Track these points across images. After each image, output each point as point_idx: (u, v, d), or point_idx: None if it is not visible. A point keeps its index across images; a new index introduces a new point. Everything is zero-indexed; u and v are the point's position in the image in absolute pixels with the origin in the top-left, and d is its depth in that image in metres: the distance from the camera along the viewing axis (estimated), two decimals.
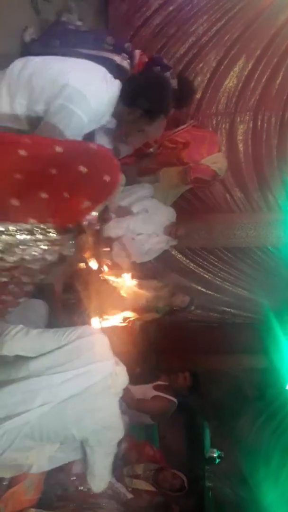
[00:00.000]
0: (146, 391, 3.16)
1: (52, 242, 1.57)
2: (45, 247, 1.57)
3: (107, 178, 1.65)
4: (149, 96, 2.05)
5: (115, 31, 3.94)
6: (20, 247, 1.53)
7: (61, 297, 2.28)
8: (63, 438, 1.72)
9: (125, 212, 3.66)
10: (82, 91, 1.84)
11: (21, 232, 1.52)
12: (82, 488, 2.06)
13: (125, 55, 2.78)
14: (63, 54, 2.81)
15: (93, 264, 2.92)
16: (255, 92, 4.13)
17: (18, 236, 1.52)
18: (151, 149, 3.69)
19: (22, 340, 1.75)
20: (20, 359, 1.72)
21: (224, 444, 4.15)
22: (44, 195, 1.53)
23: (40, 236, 1.55)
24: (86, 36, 2.88)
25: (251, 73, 4.11)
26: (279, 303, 4.47)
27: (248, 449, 4.19)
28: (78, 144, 1.73)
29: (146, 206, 3.73)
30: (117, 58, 2.74)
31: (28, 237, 1.52)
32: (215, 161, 3.70)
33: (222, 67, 4.14)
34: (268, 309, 4.51)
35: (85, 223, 2.60)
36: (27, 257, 1.56)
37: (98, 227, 3.22)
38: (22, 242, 1.53)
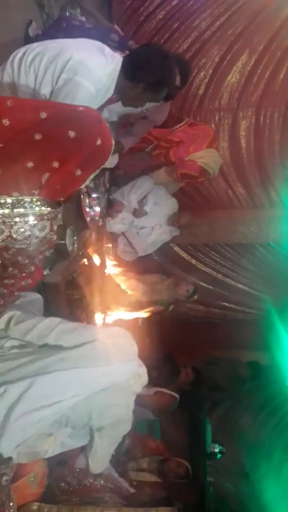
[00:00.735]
0: (148, 387, 3.17)
1: (40, 217, 1.43)
2: (34, 222, 1.43)
3: (98, 141, 1.52)
4: (152, 68, 1.98)
5: (119, 26, 3.92)
6: (5, 222, 1.40)
7: (65, 293, 2.28)
8: (83, 425, 1.84)
9: (141, 213, 3.73)
10: (86, 62, 1.82)
11: (3, 206, 1.39)
12: (85, 482, 2.08)
13: (128, 52, 2.77)
14: None
15: (97, 259, 2.93)
16: (257, 87, 4.12)
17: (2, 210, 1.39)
18: (148, 148, 3.73)
19: (65, 330, 1.82)
20: (52, 350, 1.78)
21: (226, 439, 4.15)
22: (29, 164, 1.42)
23: (26, 210, 1.41)
24: (90, 32, 2.87)
25: (254, 68, 4.10)
26: (281, 299, 4.48)
27: (250, 445, 4.21)
28: (64, 106, 1.61)
29: (154, 199, 3.76)
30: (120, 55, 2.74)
31: (13, 211, 1.40)
32: (201, 156, 3.69)
33: (225, 62, 4.13)
34: (270, 305, 4.51)
35: (88, 219, 2.62)
36: (14, 235, 1.43)
37: (101, 223, 3.25)
38: (6, 217, 1.40)
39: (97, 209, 2.75)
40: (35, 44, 1.97)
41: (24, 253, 1.51)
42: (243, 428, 4.42)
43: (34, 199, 1.43)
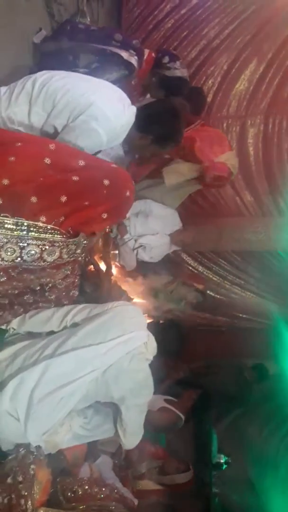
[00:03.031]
0: (155, 401, 3.11)
1: (51, 243, 1.58)
2: (45, 247, 1.58)
3: (127, 193, 1.72)
4: (162, 124, 2.11)
5: (127, 34, 3.95)
6: (18, 243, 1.54)
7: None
8: (103, 398, 1.92)
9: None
10: (106, 112, 1.89)
11: (20, 229, 1.53)
12: (90, 491, 2.06)
13: (132, 51, 2.80)
14: (72, 49, 2.86)
15: (103, 266, 2.92)
16: (266, 95, 4.13)
17: (19, 232, 1.54)
18: None
19: (79, 309, 1.99)
20: (63, 334, 1.89)
21: (232, 450, 4.11)
22: (63, 199, 1.56)
23: (40, 235, 1.56)
24: (94, 33, 2.90)
25: (262, 76, 4.11)
26: None
27: (256, 456, 4.15)
28: (100, 160, 1.80)
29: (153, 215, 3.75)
30: (124, 54, 2.75)
31: (28, 234, 1.54)
32: (227, 158, 3.68)
33: (233, 70, 4.15)
34: (277, 314, 4.47)
35: None
36: (25, 257, 1.57)
37: (108, 229, 3.24)
38: (21, 238, 1.54)
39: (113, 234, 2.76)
40: (62, 74, 2.00)
41: (30, 271, 1.66)
42: (249, 439, 4.37)
43: (49, 227, 1.57)
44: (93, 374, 1.81)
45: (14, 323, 2.00)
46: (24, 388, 1.73)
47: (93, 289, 2.60)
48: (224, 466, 3.84)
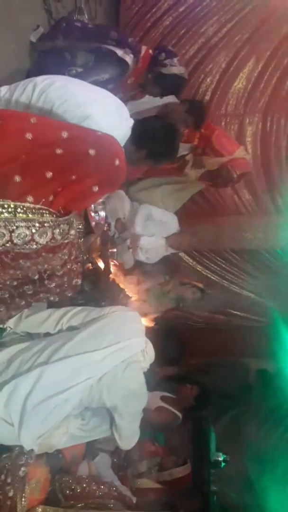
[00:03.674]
0: (152, 400, 3.10)
1: (41, 224, 1.51)
2: (35, 229, 1.50)
3: (116, 161, 1.63)
4: (157, 142, 2.08)
5: (125, 32, 3.95)
6: (7, 226, 1.47)
7: (70, 297, 2.28)
8: (96, 404, 1.89)
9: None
10: (102, 125, 1.82)
11: (6, 211, 1.47)
12: (89, 489, 2.07)
13: (128, 49, 2.78)
14: (68, 48, 2.84)
15: (101, 264, 2.92)
16: (264, 93, 4.13)
17: (6, 215, 1.47)
18: None
19: (76, 312, 1.98)
20: (59, 337, 1.88)
21: (230, 448, 4.11)
22: (48, 175, 1.49)
23: (28, 216, 1.49)
24: (90, 31, 2.88)
25: (260, 74, 4.11)
26: (287, 306, 4.44)
27: (255, 454, 4.16)
28: (85, 129, 1.69)
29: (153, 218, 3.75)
30: (119, 52, 2.73)
31: (16, 216, 1.47)
32: (244, 153, 3.70)
33: (232, 68, 4.14)
34: (275, 312, 4.47)
35: (93, 223, 2.62)
36: (15, 240, 1.50)
37: (106, 227, 3.24)
38: (8, 221, 1.47)
39: (102, 213, 2.74)
40: (62, 81, 1.94)
41: (23, 256, 1.58)
42: (248, 437, 4.38)
43: (37, 207, 1.50)
44: (88, 382, 1.80)
45: (11, 322, 1.99)
46: (18, 394, 1.72)
47: (92, 287, 2.60)
48: (223, 464, 3.84)
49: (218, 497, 3.83)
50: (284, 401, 4.38)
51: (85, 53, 2.83)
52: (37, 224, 1.50)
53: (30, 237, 1.51)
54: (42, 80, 1.90)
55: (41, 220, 1.51)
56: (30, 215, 1.49)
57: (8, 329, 2.01)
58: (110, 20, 4.21)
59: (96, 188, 1.60)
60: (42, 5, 3.10)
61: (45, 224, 1.52)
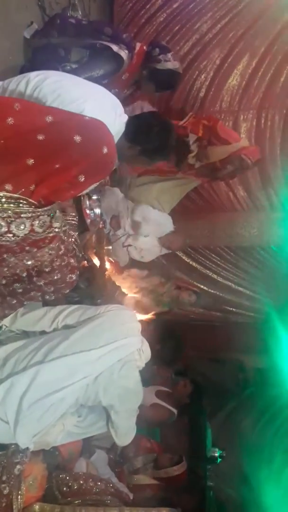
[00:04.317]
0: (147, 396, 3.11)
1: (17, 214, 1.42)
2: (11, 219, 1.42)
3: (105, 149, 1.52)
4: (151, 138, 2.03)
5: (119, 28, 3.93)
6: None
7: (65, 294, 2.27)
8: (92, 402, 1.89)
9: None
10: None
11: None
12: (86, 485, 2.08)
13: (122, 45, 2.77)
14: (62, 45, 2.83)
15: (96, 261, 2.92)
16: (258, 90, 4.11)
17: None
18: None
19: (72, 310, 1.98)
20: (56, 336, 1.88)
21: (226, 443, 4.13)
22: (30, 161, 1.40)
23: (2, 206, 1.41)
24: (84, 27, 2.87)
25: (255, 71, 4.09)
26: (282, 303, 4.46)
27: (251, 449, 4.18)
28: (71, 114, 1.58)
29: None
30: (114, 47, 2.73)
31: None
32: (248, 143, 3.70)
33: (226, 65, 4.12)
34: (271, 308, 4.49)
35: (88, 221, 2.61)
36: None
37: (101, 225, 3.24)
38: None
39: (98, 211, 2.74)
40: (56, 77, 1.91)
41: (6, 249, 1.51)
42: (243, 432, 4.40)
43: (15, 196, 1.42)
44: (84, 381, 1.80)
45: (6, 320, 1.98)
46: (14, 393, 1.72)
47: (87, 285, 2.59)
48: (219, 460, 3.87)
49: (214, 493, 3.86)
50: (279, 397, 4.41)
51: (79, 49, 2.82)
52: (13, 215, 1.42)
53: (6, 229, 1.43)
54: (35, 76, 1.87)
55: (17, 210, 1.42)
56: (5, 205, 1.41)
57: (4, 327, 2.00)
58: (104, 16, 4.20)
59: (82, 178, 1.49)
60: (35, 2, 3.08)
61: (22, 215, 1.43)
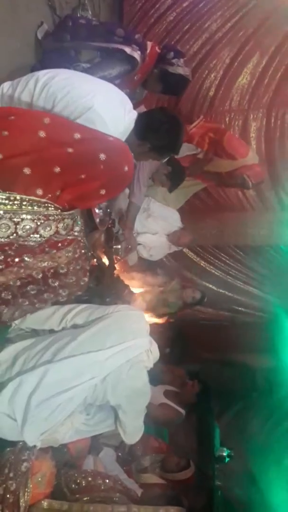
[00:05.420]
0: (155, 395, 3.11)
1: (46, 217, 1.55)
2: (40, 222, 1.55)
3: (126, 167, 1.67)
4: (162, 134, 2.04)
5: (129, 28, 3.93)
6: (12, 218, 1.52)
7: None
8: (100, 402, 1.90)
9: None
10: (104, 117, 1.83)
11: (12, 203, 1.51)
12: (94, 483, 2.09)
13: (135, 46, 2.77)
14: (75, 48, 2.83)
15: (105, 260, 2.93)
16: (268, 89, 4.09)
17: (12, 207, 1.52)
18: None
19: (81, 309, 1.99)
20: (64, 336, 1.89)
21: (234, 443, 4.12)
22: (57, 170, 1.53)
23: (33, 209, 1.54)
24: (96, 29, 2.88)
25: (264, 69, 4.07)
26: None
27: (259, 449, 4.16)
28: (96, 133, 1.72)
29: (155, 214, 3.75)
30: (127, 49, 2.73)
31: (21, 208, 1.51)
32: (255, 158, 3.69)
33: (236, 63, 4.11)
34: (279, 308, 4.47)
35: (97, 220, 2.63)
36: (19, 232, 1.54)
37: (110, 224, 3.25)
38: (14, 213, 1.51)
39: (107, 210, 2.75)
40: (65, 74, 1.95)
41: (27, 250, 1.62)
42: (252, 432, 4.38)
43: (43, 201, 1.55)
44: (92, 381, 1.81)
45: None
46: (22, 392, 1.74)
47: (96, 283, 2.61)
48: (227, 459, 3.86)
49: (222, 492, 3.85)
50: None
51: (89, 50, 2.83)
52: (42, 217, 1.55)
53: (34, 230, 1.56)
54: (44, 74, 1.90)
55: (46, 213, 1.55)
56: (35, 208, 1.54)
57: (14, 325, 2.03)
58: (113, 16, 4.20)
59: (103, 191, 1.65)
60: (45, 2, 3.10)
61: (50, 217, 1.56)
